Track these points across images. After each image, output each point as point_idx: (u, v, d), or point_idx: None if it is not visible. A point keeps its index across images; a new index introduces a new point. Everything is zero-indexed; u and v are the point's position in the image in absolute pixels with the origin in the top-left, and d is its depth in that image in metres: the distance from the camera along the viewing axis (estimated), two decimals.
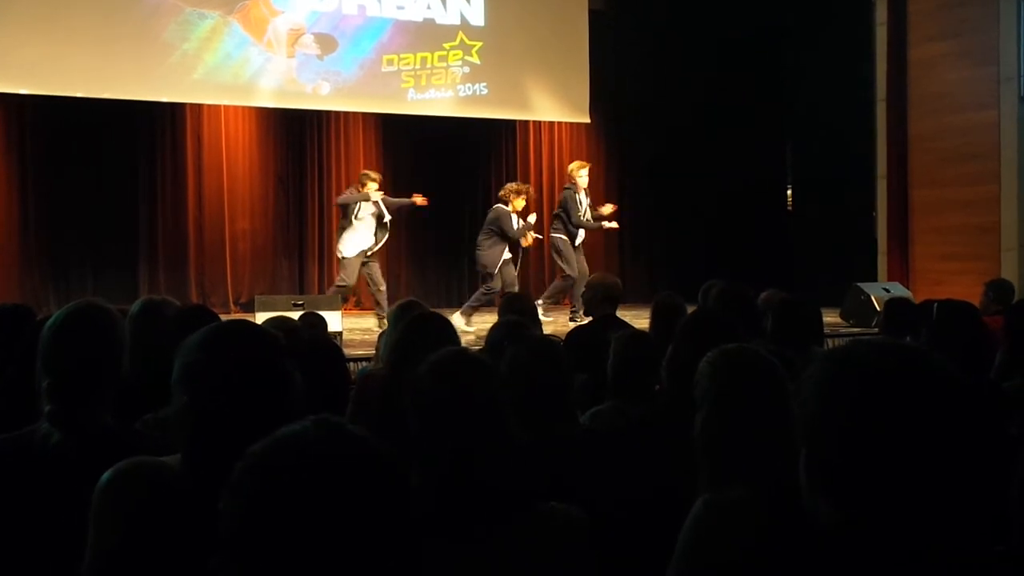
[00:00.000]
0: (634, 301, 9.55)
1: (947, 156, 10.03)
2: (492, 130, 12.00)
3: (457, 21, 11.07)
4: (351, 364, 5.57)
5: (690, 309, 3.80)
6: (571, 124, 12.25)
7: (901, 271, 10.33)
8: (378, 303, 8.86)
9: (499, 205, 8.76)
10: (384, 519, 1.03)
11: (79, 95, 9.45)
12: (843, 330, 8.50)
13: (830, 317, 8.27)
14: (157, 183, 10.43)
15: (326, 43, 10.46)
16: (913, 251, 10.44)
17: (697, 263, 11.53)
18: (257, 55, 10.15)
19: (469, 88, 11.14)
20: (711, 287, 4.84)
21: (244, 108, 10.66)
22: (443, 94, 11.05)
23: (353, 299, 10.46)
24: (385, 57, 10.77)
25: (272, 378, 1.61)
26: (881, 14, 10.67)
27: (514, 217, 8.68)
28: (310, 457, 1.04)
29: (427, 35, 10.94)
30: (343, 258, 8.75)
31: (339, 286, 8.68)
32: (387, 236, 8.92)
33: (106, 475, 1.62)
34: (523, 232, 8.77)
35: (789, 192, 13.20)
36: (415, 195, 9.04)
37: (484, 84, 11.17)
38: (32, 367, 2.08)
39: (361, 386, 3.33)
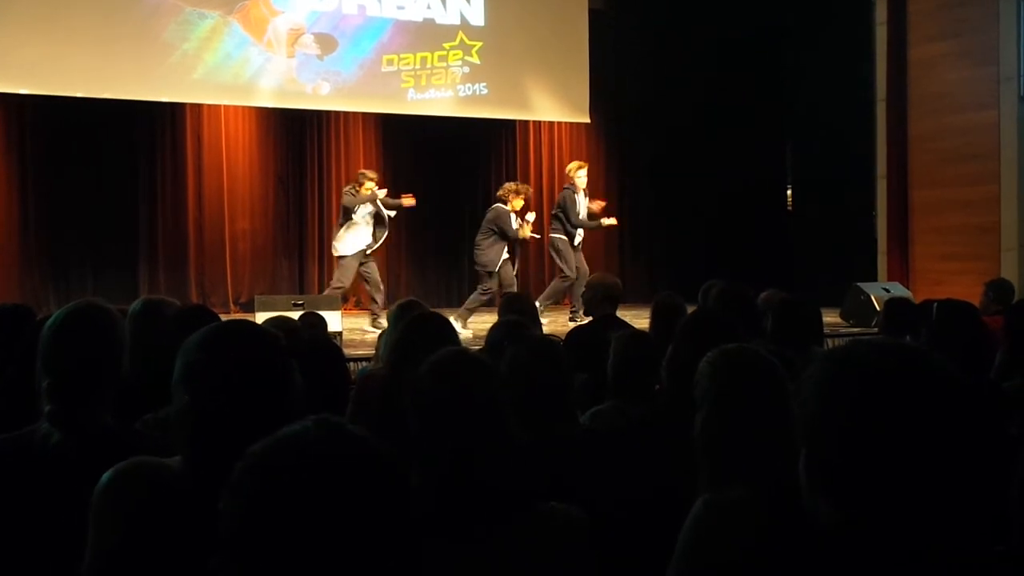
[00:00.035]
0: (634, 301, 9.55)
1: (947, 156, 10.02)
2: (492, 130, 12.00)
3: (457, 21, 11.07)
4: (351, 364, 5.57)
5: (690, 309, 3.80)
6: (571, 124, 12.25)
7: (901, 271, 10.32)
8: (374, 300, 8.85)
9: (498, 204, 8.76)
10: (384, 519, 1.03)
11: (79, 95, 9.45)
12: (843, 330, 8.50)
13: (830, 317, 8.27)
14: (157, 183, 10.43)
15: (326, 43, 10.46)
16: (913, 251, 10.44)
17: (697, 263, 11.53)
18: (257, 55, 10.16)
19: (469, 88, 11.14)
20: (711, 287, 4.84)
21: (244, 108, 10.66)
22: (443, 94, 11.05)
23: (353, 299, 10.47)
24: (385, 57, 10.77)
25: (272, 378, 1.61)
26: (881, 14, 10.67)
27: (513, 216, 8.68)
28: (310, 457, 1.04)
29: (427, 35, 10.94)
30: (341, 257, 8.74)
31: (335, 288, 8.66)
32: (387, 233, 8.92)
33: (106, 475, 1.62)
34: (520, 227, 8.73)
35: (789, 192, 13.20)
36: (403, 196, 8.98)
37: (484, 84, 11.17)
38: (32, 367, 2.08)
39: (361, 386, 3.33)
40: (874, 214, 10.91)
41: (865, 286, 9.16)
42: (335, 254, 8.83)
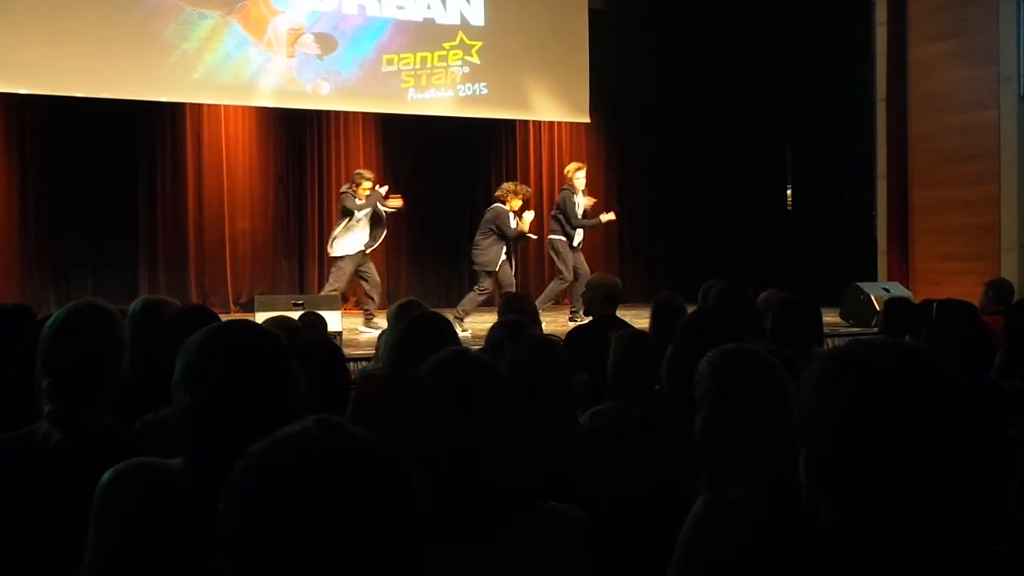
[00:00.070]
0: (634, 301, 9.55)
1: (947, 156, 10.03)
2: (492, 130, 12.00)
3: (457, 21, 11.07)
4: (351, 364, 5.57)
5: (690, 309, 3.80)
6: (571, 124, 12.25)
7: (901, 271, 10.33)
8: (371, 299, 8.85)
9: (497, 204, 8.75)
10: (384, 519, 1.03)
11: (79, 95, 9.45)
12: (843, 330, 8.50)
13: (830, 317, 8.27)
14: (157, 183, 10.43)
15: (326, 43, 10.46)
16: (913, 251, 10.44)
17: (697, 263, 11.54)
18: (257, 55, 10.16)
19: (469, 88, 11.14)
20: (711, 287, 4.84)
21: (244, 108, 10.66)
22: (443, 94, 11.05)
23: (353, 299, 10.47)
24: (385, 57, 10.77)
25: (273, 378, 1.61)
26: (881, 14, 10.67)
27: (512, 216, 8.67)
28: (310, 457, 1.04)
29: (427, 35, 10.94)
30: (337, 258, 8.73)
31: (331, 292, 8.65)
32: (385, 232, 8.92)
33: (106, 475, 1.62)
34: (519, 231, 8.70)
35: (789, 192, 13.20)
36: (392, 197, 8.94)
37: (484, 84, 11.17)
38: (32, 367, 2.08)
39: (361, 386, 3.33)
40: (874, 214, 10.91)
41: (865, 286, 9.16)
42: (331, 254, 8.80)
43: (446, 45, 11.00)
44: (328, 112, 11.05)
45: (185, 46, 9.80)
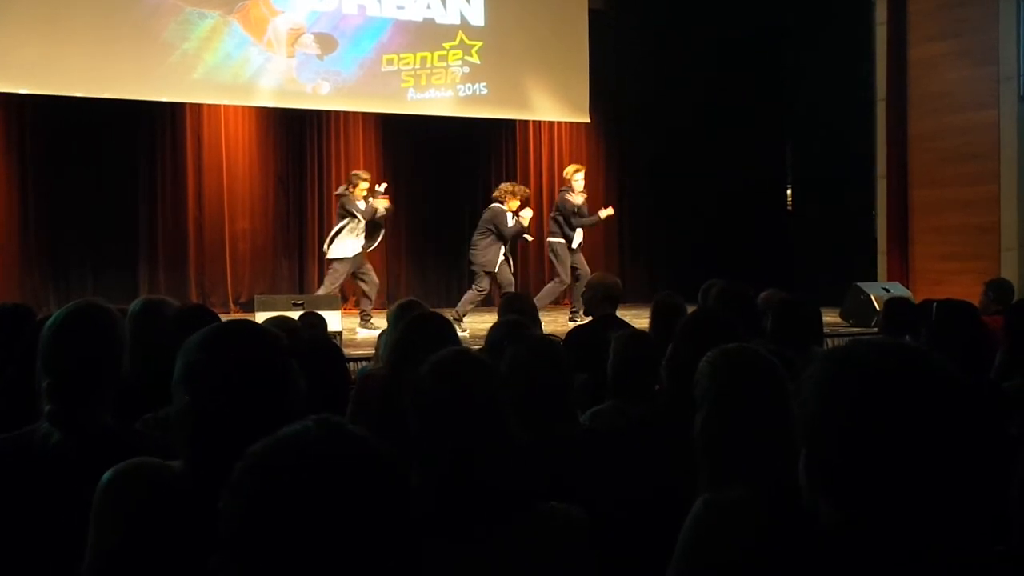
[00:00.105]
0: (634, 301, 9.55)
1: (947, 156, 10.03)
2: (492, 130, 12.00)
3: (457, 21, 11.07)
4: (351, 364, 5.57)
5: (690, 309, 3.80)
6: (571, 124, 12.25)
7: (901, 271, 10.33)
8: (369, 299, 8.84)
9: (495, 204, 8.75)
10: (384, 519, 1.04)
11: (79, 95, 9.45)
12: (843, 330, 8.50)
13: (830, 317, 8.27)
14: (157, 183, 10.43)
15: (326, 43, 10.46)
16: (913, 251, 10.44)
17: (697, 263, 11.53)
18: (257, 55, 10.15)
19: (469, 88, 11.14)
20: (711, 287, 4.84)
21: (244, 108, 10.66)
22: (443, 94, 11.05)
23: (353, 299, 10.47)
24: (385, 57, 10.77)
25: (273, 378, 1.61)
26: (881, 14, 10.67)
27: (509, 216, 8.66)
28: (311, 457, 1.04)
29: (427, 35, 10.94)
30: (334, 260, 8.71)
31: (326, 292, 8.64)
32: (383, 232, 8.93)
33: (106, 475, 1.62)
34: (518, 227, 8.69)
35: (789, 192, 13.20)
36: (380, 197, 8.90)
37: (484, 84, 11.17)
38: (32, 367, 2.08)
39: (361, 386, 3.33)
40: (874, 214, 10.91)
41: (865, 286, 9.16)
42: (328, 256, 8.78)
43: (446, 45, 11.00)
44: (328, 112, 11.05)
45: (185, 46, 9.80)
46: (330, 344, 4.44)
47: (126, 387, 2.14)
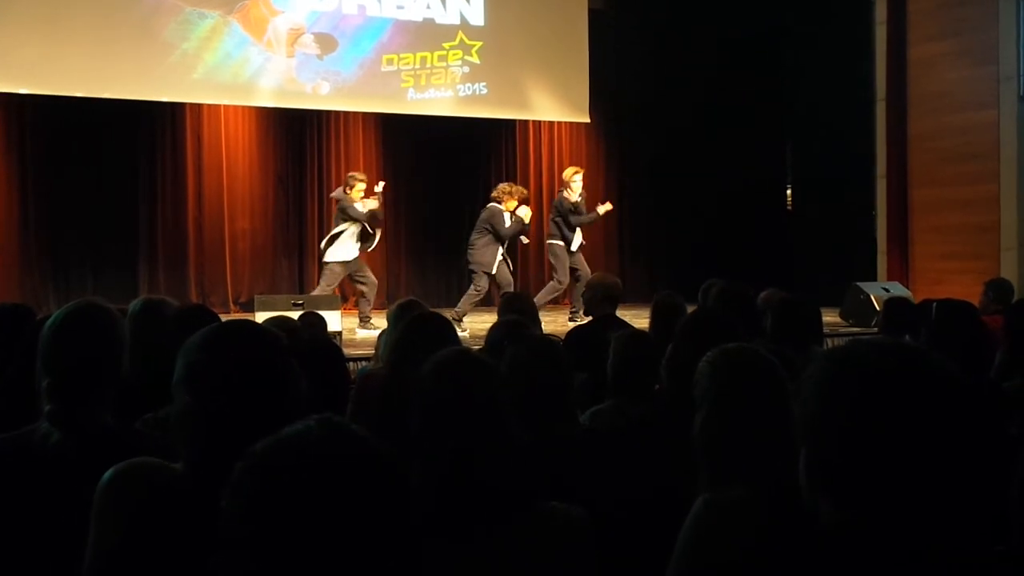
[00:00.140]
0: (634, 301, 9.55)
1: (947, 155, 10.03)
2: (492, 130, 12.00)
3: (457, 21, 11.07)
4: (351, 364, 5.57)
5: (690, 309, 3.80)
6: (571, 124, 12.25)
7: (901, 271, 10.33)
8: (368, 300, 8.84)
9: (492, 204, 8.75)
10: (385, 519, 1.04)
11: (79, 95, 9.45)
12: (843, 330, 8.50)
13: (830, 317, 8.27)
14: (157, 183, 10.43)
15: (326, 43, 10.46)
16: (913, 250, 10.44)
17: (697, 263, 11.53)
18: (257, 55, 10.15)
19: (469, 88, 11.14)
20: (711, 287, 4.84)
21: (244, 108, 10.66)
22: (443, 94, 11.05)
23: (353, 299, 10.47)
24: (385, 57, 10.77)
25: (273, 378, 1.61)
26: (881, 13, 10.67)
27: (507, 215, 8.66)
28: (312, 457, 1.04)
29: (427, 35, 10.94)
30: (331, 263, 8.70)
31: (322, 292, 8.64)
32: (380, 231, 8.93)
33: (107, 475, 1.62)
34: (517, 226, 8.67)
35: (789, 192, 13.20)
36: (371, 196, 8.85)
37: (484, 84, 11.17)
38: (32, 367, 2.08)
39: (361, 386, 3.33)
40: (874, 214, 10.91)
41: (865, 286, 9.16)
42: (325, 259, 8.77)
43: (446, 45, 11.00)
44: (328, 112, 11.05)
45: (185, 46, 9.80)
46: (330, 344, 4.44)
47: (126, 387, 2.14)
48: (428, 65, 10.95)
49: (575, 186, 9.18)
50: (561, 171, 10.89)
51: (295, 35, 10.30)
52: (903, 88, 10.43)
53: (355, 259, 8.73)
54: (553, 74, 11.48)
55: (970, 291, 6.26)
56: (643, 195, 12.87)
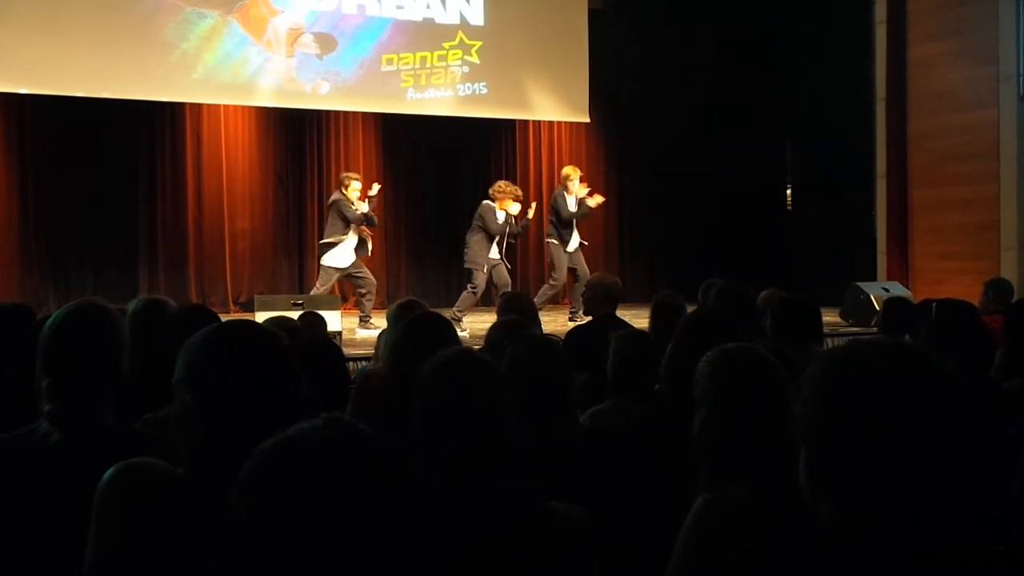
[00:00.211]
0: (634, 301, 9.55)
1: (946, 155, 10.02)
2: (492, 130, 12.00)
3: (457, 21, 11.07)
4: (351, 364, 5.57)
5: (690, 309, 3.80)
6: (571, 124, 12.24)
7: (901, 270, 10.32)
8: (367, 301, 8.83)
9: (485, 201, 8.76)
10: (392, 518, 1.04)
11: (79, 95, 9.45)
12: (843, 330, 8.50)
13: (830, 317, 8.27)
14: (157, 183, 10.43)
15: (325, 42, 10.46)
16: (912, 250, 10.44)
17: (697, 263, 11.53)
18: (256, 54, 10.15)
19: (468, 88, 11.14)
20: (711, 286, 4.84)
21: (244, 108, 10.66)
22: (443, 94, 11.05)
23: (353, 299, 10.47)
24: (384, 57, 10.77)
25: (274, 378, 1.61)
26: (881, 13, 10.66)
27: (500, 213, 8.65)
28: (320, 456, 1.05)
29: (427, 35, 10.94)
30: (328, 267, 8.68)
31: (318, 293, 8.64)
32: (371, 242, 8.95)
33: (107, 475, 1.62)
34: (505, 225, 8.66)
35: (789, 191, 13.20)
36: (366, 197, 8.83)
37: (484, 84, 11.17)
38: (32, 367, 2.08)
39: (361, 386, 3.33)
40: (874, 213, 10.91)
41: (865, 285, 9.16)
42: (324, 263, 8.74)
43: (446, 45, 11.00)
44: (328, 112, 11.05)
45: (184, 46, 9.80)
46: (330, 344, 4.44)
47: (126, 387, 2.14)
48: (428, 65, 10.95)
49: (572, 186, 9.18)
50: (561, 171, 10.89)
51: (295, 35, 10.30)
52: (903, 88, 10.43)
53: (353, 262, 8.73)
54: (553, 74, 11.48)
55: (970, 291, 6.26)
56: (643, 195, 12.87)
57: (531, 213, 9.08)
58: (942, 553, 1.17)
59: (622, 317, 5.12)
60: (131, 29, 9.53)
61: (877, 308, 8.09)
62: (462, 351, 1.97)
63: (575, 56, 11.61)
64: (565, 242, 9.15)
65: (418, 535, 1.08)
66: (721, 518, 1.38)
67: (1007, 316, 4.03)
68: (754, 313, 4.12)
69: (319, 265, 8.95)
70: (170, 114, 10.41)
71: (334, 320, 7.03)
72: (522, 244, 11.43)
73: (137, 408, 2.46)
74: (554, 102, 11.63)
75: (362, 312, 8.85)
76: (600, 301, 5.09)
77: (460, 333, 7.55)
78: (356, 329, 8.63)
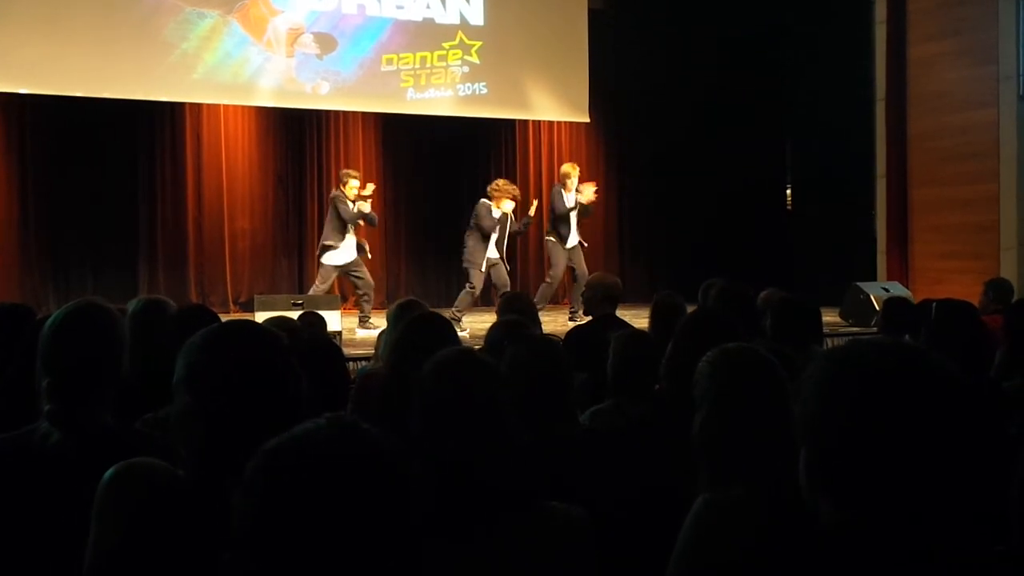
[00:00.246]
0: (634, 301, 9.55)
1: (946, 155, 10.02)
2: (492, 130, 12.00)
3: (456, 20, 11.07)
4: (351, 364, 5.57)
5: (690, 309, 3.80)
6: (571, 124, 12.24)
7: (900, 270, 10.32)
8: (364, 301, 8.83)
9: (482, 199, 8.77)
10: (396, 517, 1.05)
11: (79, 95, 9.45)
12: (843, 330, 8.50)
13: (830, 317, 8.27)
14: (157, 183, 10.44)
15: (325, 42, 10.46)
16: (912, 250, 10.44)
17: (697, 263, 11.53)
18: (256, 54, 10.15)
19: (468, 88, 11.14)
20: (711, 286, 4.84)
21: (244, 107, 10.66)
22: (442, 93, 11.05)
23: (353, 299, 10.47)
24: (384, 56, 10.77)
25: (274, 378, 1.61)
26: (881, 12, 10.66)
27: (496, 211, 8.65)
28: (324, 456, 1.05)
29: (426, 34, 10.94)
30: (328, 265, 8.68)
31: (317, 291, 8.64)
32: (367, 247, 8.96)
33: (108, 474, 1.62)
34: (495, 223, 8.65)
35: (789, 191, 13.20)
36: (362, 197, 8.82)
37: (484, 84, 11.17)
38: (32, 366, 2.08)
39: (361, 386, 3.33)
40: (873, 213, 10.91)
41: (864, 285, 9.16)
42: (326, 262, 8.73)
43: (446, 45, 11.00)
44: (328, 112, 11.05)
45: (184, 46, 9.80)
46: (330, 344, 4.43)
47: (126, 387, 2.14)
48: (428, 65, 10.95)
49: (570, 183, 9.19)
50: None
51: (295, 35, 10.30)
52: (903, 88, 10.43)
53: (353, 260, 8.72)
54: (553, 74, 11.48)
55: (970, 291, 6.27)
56: (643, 195, 12.87)
57: (532, 210, 9.13)
58: (942, 553, 1.17)
59: (622, 317, 5.12)
60: (131, 29, 9.53)
61: (877, 308, 8.09)
62: (462, 351, 1.97)
63: (575, 56, 11.61)
64: (563, 239, 9.15)
65: (420, 535, 1.08)
66: (721, 518, 1.38)
67: (1007, 316, 4.03)
68: (754, 313, 4.12)
69: (319, 263, 8.95)
70: (170, 114, 10.41)
71: (334, 320, 7.03)
72: (522, 244, 11.44)
73: (137, 408, 2.46)
74: (554, 102, 11.63)
75: (361, 313, 8.85)
76: (600, 301, 5.09)
77: (460, 333, 7.57)
78: (356, 329, 8.62)
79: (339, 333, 7.29)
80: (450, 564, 1.64)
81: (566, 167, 9.42)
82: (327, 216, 8.99)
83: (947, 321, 3.56)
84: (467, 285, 8.67)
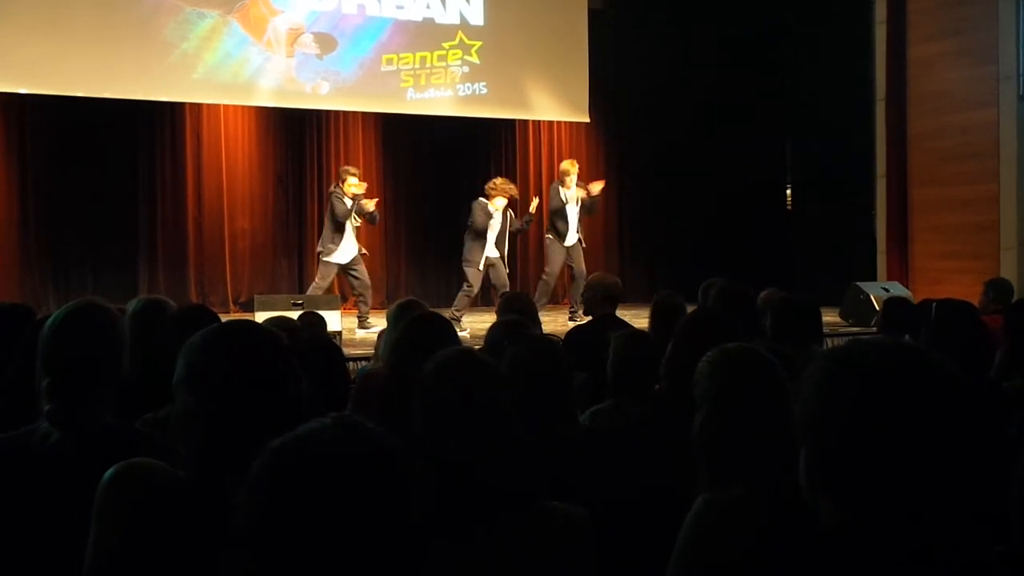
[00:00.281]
0: (634, 301, 9.55)
1: (946, 155, 10.02)
2: (492, 130, 12.00)
3: (456, 20, 11.07)
4: (351, 364, 5.57)
5: (690, 309, 3.80)
6: (571, 124, 12.24)
7: (900, 270, 10.32)
8: (365, 300, 8.82)
9: (479, 198, 8.78)
10: (400, 516, 1.05)
11: (79, 95, 9.44)
12: (843, 330, 8.50)
13: (830, 317, 8.27)
14: (157, 183, 10.44)
15: (325, 42, 10.46)
16: (912, 250, 10.44)
17: (697, 263, 11.53)
18: (256, 54, 10.15)
19: (468, 88, 11.14)
20: (711, 286, 4.84)
21: (244, 107, 10.66)
22: (442, 93, 11.05)
23: (352, 299, 10.47)
24: (384, 56, 10.77)
25: (274, 378, 1.61)
26: (881, 12, 10.66)
27: (491, 209, 8.64)
28: (329, 456, 1.05)
29: (426, 34, 10.94)
30: (328, 262, 8.67)
31: (317, 289, 8.63)
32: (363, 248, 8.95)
33: (108, 474, 1.62)
34: (486, 221, 8.64)
35: (789, 191, 13.20)
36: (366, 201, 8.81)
37: (483, 83, 11.17)
38: (32, 366, 2.08)
39: (361, 386, 3.33)
40: (873, 213, 10.91)
41: (864, 285, 9.16)
42: (325, 258, 8.71)
43: (446, 45, 11.00)
44: (328, 112, 11.05)
45: (184, 46, 9.80)
46: (330, 344, 4.43)
47: (126, 387, 2.14)
48: (428, 65, 10.95)
49: (569, 180, 9.19)
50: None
51: (295, 35, 10.30)
52: (903, 88, 10.43)
53: (353, 258, 8.72)
54: (553, 74, 11.48)
55: (970, 291, 6.27)
56: (643, 195, 12.87)
57: (532, 207, 9.13)
58: (942, 553, 1.17)
59: (622, 317, 5.12)
60: (131, 29, 9.53)
61: (877, 308, 8.09)
62: (462, 351, 1.97)
63: (575, 56, 11.61)
64: (560, 236, 9.15)
65: (423, 534, 1.08)
66: (721, 518, 1.38)
67: (1007, 316, 4.03)
68: (754, 313, 4.12)
69: (319, 260, 8.94)
70: (170, 114, 10.41)
71: (334, 320, 7.03)
72: (521, 243, 11.44)
73: (137, 408, 2.46)
74: (554, 102, 11.63)
75: (359, 314, 8.85)
76: (600, 301, 5.09)
77: (460, 333, 7.56)
78: (356, 329, 8.62)
79: (339, 333, 7.29)
80: (450, 564, 1.64)
81: (565, 164, 9.43)
82: (326, 214, 8.99)
83: (947, 321, 3.56)
84: (464, 285, 8.68)
